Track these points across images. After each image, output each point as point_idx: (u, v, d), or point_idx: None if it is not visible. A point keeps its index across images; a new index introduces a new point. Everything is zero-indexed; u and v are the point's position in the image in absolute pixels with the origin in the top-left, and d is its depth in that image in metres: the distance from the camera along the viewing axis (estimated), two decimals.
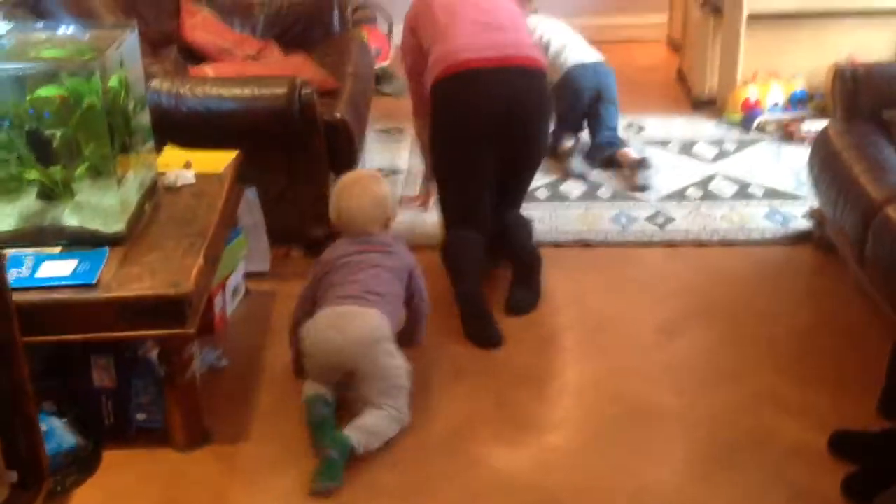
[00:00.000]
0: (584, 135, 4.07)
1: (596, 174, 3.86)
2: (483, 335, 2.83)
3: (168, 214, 2.48)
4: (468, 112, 2.97)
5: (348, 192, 2.63)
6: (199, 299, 2.23)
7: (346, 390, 2.45)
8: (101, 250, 2.25)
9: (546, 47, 4.00)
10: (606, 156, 3.89)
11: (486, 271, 3.09)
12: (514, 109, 2.96)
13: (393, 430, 2.39)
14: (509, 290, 3.02)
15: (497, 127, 2.96)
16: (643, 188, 3.70)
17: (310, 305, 2.55)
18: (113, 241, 2.29)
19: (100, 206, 2.29)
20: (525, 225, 3.19)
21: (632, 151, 3.85)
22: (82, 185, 2.29)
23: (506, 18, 3.11)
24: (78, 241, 2.27)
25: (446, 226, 3.12)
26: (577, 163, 3.89)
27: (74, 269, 2.17)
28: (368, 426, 2.35)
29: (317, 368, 2.45)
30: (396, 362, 2.44)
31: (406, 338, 2.63)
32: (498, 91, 2.94)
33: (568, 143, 3.94)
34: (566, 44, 4.06)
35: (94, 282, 2.14)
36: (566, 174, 3.86)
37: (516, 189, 3.22)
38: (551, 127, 3.61)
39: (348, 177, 2.73)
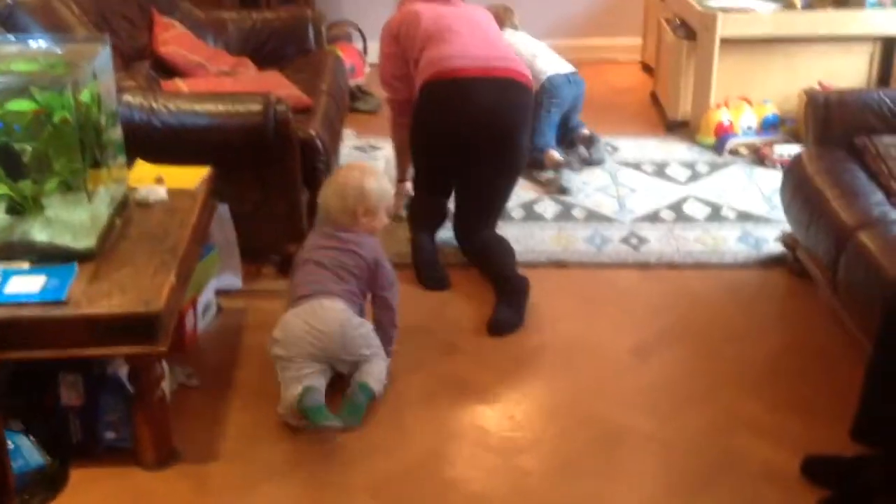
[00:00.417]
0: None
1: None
2: (433, 278, 3.17)
3: (139, 230, 2.45)
4: (455, 115, 3.16)
5: (333, 181, 2.75)
6: (169, 317, 2.20)
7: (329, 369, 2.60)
8: (71, 266, 2.22)
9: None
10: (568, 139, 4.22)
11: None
12: (499, 118, 3.16)
13: (384, 381, 2.62)
14: (494, 309, 3.02)
15: (480, 133, 3.15)
16: (599, 161, 4.08)
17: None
18: (83, 256, 2.26)
19: (70, 221, 2.26)
20: (508, 249, 3.25)
21: (584, 130, 4.21)
22: (52, 199, 2.25)
23: (494, 35, 3.39)
24: (47, 257, 2.24)
25: (415, 189, 3.46)
26: (567, 177, 3.94)
27: (43, 286, 2.13)
28: (374, 374, 2.57)
29: (296, 365, 2.52)
30: (364, 330, 2.61)
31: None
32: (486, 99, 3.13)
33: (556, 154, 4.03)
34: (537, 54, 4.21)
35: (63, 298, 2.11)
36: (549, 187, 3.93)
37: (490, 201, 3.33)
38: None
39: (346, 166, 2.94)
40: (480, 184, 3.26)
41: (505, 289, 3.07)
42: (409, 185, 3.61)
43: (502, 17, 4.29)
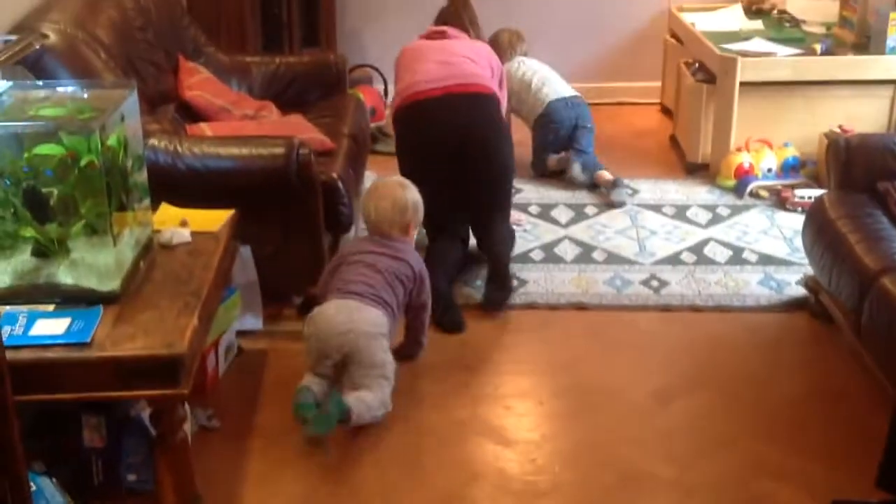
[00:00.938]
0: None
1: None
2: (451, 321, 3.21)
3: (163, 273, 2.46)
4: (421, 136, 3.46)
5: (375, 195, 2.96)
6: (192, 360, 2.21)
7: (335, 381, 2.70)
8: (96, 308, 2.23)
9: (528, 84, 4.52)
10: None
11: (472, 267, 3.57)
12: (464, 131, 3.40)
13: (381, 412, 2.65)
14: (486, 289, 3.38)
15: (451, 147, 3.38)
16: (620, 204, 4.17)
17: (323, 290, 2.85)
18: (107, 299, 2.27)
19: (95, 263, 2.27)
20: (511, 243, 3.58)
21: (606, 173, 4.31)
22: (78, 242, 2.27)
23: (460, 56, 3.57)
24: (72, 299, 2.25)
25: (428, 236, 3.56)
26: (577, 170, 4.36)
27: (68, 328, 2.15)
28: (362, 398, 2.61)
29: (316, 351, 2.70)
30: (388, 358, 2.73)
31: (404, 350, 2.97)
32: (444, 116, 3.42)
33: (555, 157, 4.48)
34: (545, 80, 4.55)
35: (88, 340, 2.12)
36: (569, 182, 4.40)
37: (490, 201, 3.55)
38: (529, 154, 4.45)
39: (379, 181, 3.09)
40: (474, 191, 3.49)
41: (497, 272, 3.40)
42: None
43: (508, 44, 4.63)
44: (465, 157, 3.39)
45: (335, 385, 2.69)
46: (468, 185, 3.46)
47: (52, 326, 2.15)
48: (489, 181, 3.50)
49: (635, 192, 4.32)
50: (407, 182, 3.04)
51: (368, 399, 2.61)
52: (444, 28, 3.81)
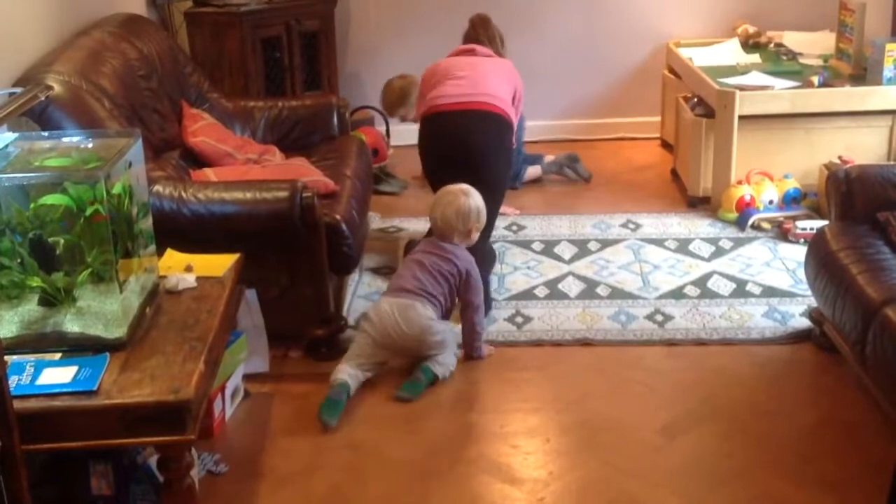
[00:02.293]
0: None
1: None
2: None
3: (169, 318, 2.48)
4: (435, 142, 3.86)
5: (441, 203, 3.31)
6: (199, 405, 2.22)
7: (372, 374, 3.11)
8: (102, 356, 2.25)
9: None
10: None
11: None
12: (469, 142, 3.75)
13: (451, 369, 3.15)
14: None
15: (458, 155, 3.74)
16: (586, 176, 4.80)
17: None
18: (114, 346, 2.28)
19: (101, 311, 2.29)
20: (492, 261, 3.87)
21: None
22: (84, 290, 2.29)
23: (479, 75, 3.93)
24: (79, 347, 2.27)
25: None
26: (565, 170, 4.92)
27: (75, 376, 2.16)
28: (439, 361, 3.11)
29: (370, 346, 3.10)
30: (441, 327, 3.15)
31: (466, 355, 3.27)
32: (455, 128, 3.80)
33: (534, 170, 4.89)
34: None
35: (94, 388, 2.13)
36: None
37: None
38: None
39: (444, 188, 3.38)
40: None
41: None
42: None
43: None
44: (468, 167, 3.67)
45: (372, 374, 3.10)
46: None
47: (59, 375, 2.17)
48: (481, 188, 3.53)
49: (637, 226, 4.34)
50: (470, 189, 3.35)
51: (441, 359, 3.12)
52: (474, 46, 4.17)
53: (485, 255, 3.69)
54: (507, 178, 4.01)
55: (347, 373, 3.01)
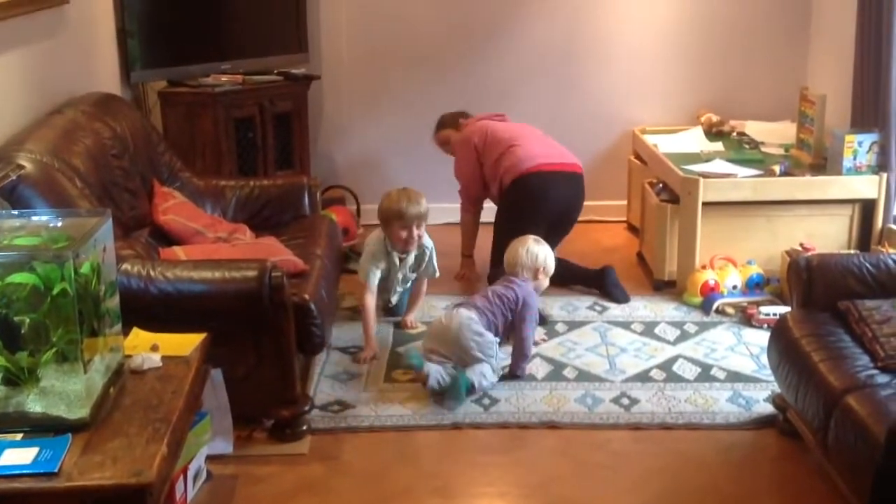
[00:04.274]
0: None
1: None
2: None
3: (133, 399, 2.46)
4: (543, 199, 4.35)
5: (514, 245, 3.90)
6: (160, 488, 2.19)
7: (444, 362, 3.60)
8: (64, 437, 2.22)
9: None
10: None
11: None
12: (571, 201, 4.47)
13: (493, 379, 3.60)
14: None
15: (558, 212, 4.40)
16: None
17: None
18: (76, 427, 2.26)
19: (64, 391, 2.27)
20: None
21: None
22: (48, 370, 2.27)
23: (548, 139, 4.60)
24: (41, 428, 2.24)
25: (493, 264, 4.42)
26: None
27: (36, 457, 2.13)
28: (476, 370, 3.54)
29: (431, 345, 3.68)
30: (484, 339, 3.63)
31: (512, 369, 3.73)
32: (564, 187, 4.41)
33: None
34: None
35: (55, 470, 2.10)
36: None
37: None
38: None
39: (521, 237, 3.93)
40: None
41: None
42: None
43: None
44: (564, 222, 4.43)
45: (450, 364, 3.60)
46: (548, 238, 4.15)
47: (19, 456, 2.14)
48: (560, 239, 4.46)
49: (604, 308, 4.38)
50: (540, 239, 3.94)
51: (478, 369, 3.54)
52: (501, 113, 4.80)
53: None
54: None
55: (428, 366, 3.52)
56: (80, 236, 2.29)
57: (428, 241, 4.14)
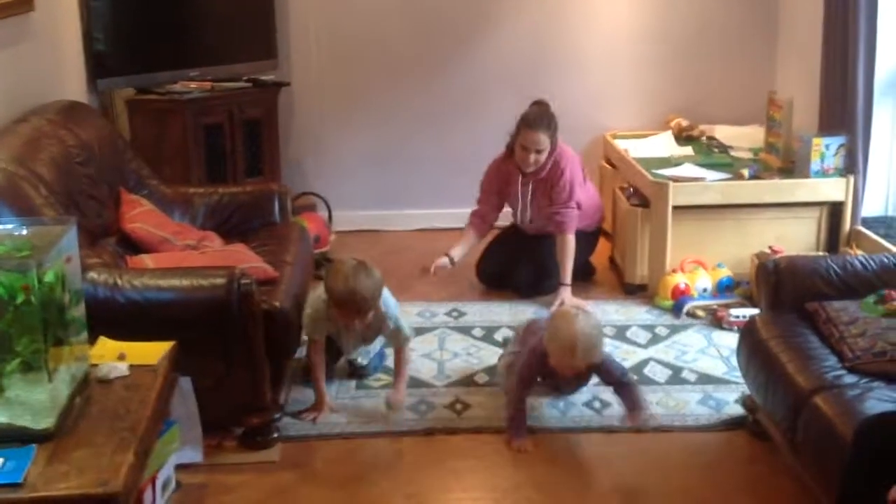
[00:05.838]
0: None
1: None
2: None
3: (99, 408, 2.43)
4: None
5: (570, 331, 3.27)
6: (127, 498, 2.17)
7: None
8: (29, 447, 2.19)
9: None
10: None
11: None
12: None
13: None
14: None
15: None
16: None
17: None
18: (41, 437, 2.23)
19: (29, 401, 2.24)
20: None
21: None
22: (12, 380, 2.24)
23: None
24: (5, 439, 2.21)
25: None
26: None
27: (0, 468, 2.11)
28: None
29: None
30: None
31: None
32: None
33: None
34: None
35: (20, 481, 2.08)
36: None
37: None
38: None
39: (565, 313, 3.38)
40: None
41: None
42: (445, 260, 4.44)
43: None
44: None
45: None
46: None
47: None
48: None
49: None
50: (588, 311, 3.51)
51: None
52: None
53: None
54: None
55: None
56: (44, 245, 2.27)
57: (388, 307, 3.47)
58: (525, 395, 3.35)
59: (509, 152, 4.52)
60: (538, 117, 4.41)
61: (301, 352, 3.62)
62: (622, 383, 3.32)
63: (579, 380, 3.45)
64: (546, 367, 3.31)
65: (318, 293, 3.48)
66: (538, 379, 3.41)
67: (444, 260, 4.43)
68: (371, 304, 3.32)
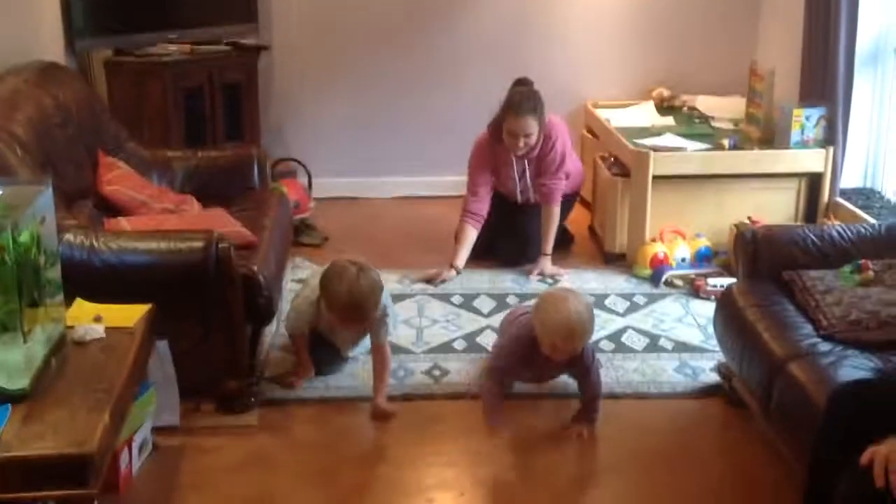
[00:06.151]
0: None
1: None
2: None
3: (75, 370, 2.42)
4: None
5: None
6: (103, 459, 2.17)
7: None
8: (4, 407, 2.19)
9: None
10: None
11: None
12: None
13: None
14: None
15: None
16: None
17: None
18: (16, 397, 2.22)
19: (4, 362, 2.23)
20: None
21: None
22: None
23: None
24: None
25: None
26: None
27: None
28: None
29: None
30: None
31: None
32: None
33: None
34: None
35: None
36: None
37: None
38: None
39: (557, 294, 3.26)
40: None
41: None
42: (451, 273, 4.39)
43: None
44: None
45: None
46: None
47: None
48: None
49: (556, 281, 4.40)
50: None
51: None
52: None
53: None
54: None
55: None
56: (19, 205, 2.25)
57: (388, 306, 3.37)
58: (504, 381, 3.21)
59: (496, 133, 4.42)
60: (523, 101, 4.32)
61: (279, 321, 3.62)
62: (589, 379, 3.16)
63: (570, 366, 3.17)
64: (533, 355, 3.11)
65: (304, 293, 3.47)
66: (521, 372, 3.24)
67: (451, 273, 4.39)
68: (373, 312, 3.24)
